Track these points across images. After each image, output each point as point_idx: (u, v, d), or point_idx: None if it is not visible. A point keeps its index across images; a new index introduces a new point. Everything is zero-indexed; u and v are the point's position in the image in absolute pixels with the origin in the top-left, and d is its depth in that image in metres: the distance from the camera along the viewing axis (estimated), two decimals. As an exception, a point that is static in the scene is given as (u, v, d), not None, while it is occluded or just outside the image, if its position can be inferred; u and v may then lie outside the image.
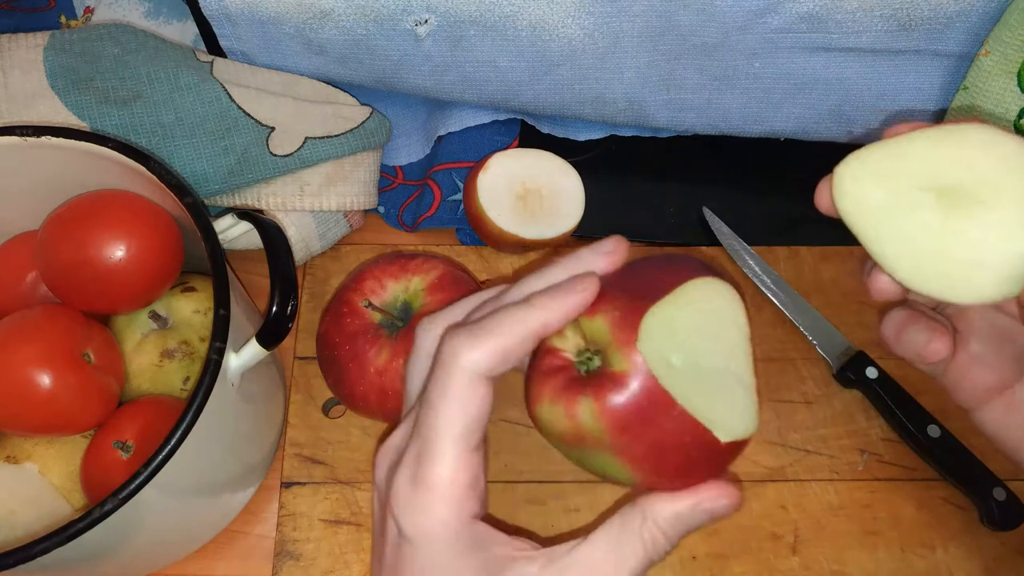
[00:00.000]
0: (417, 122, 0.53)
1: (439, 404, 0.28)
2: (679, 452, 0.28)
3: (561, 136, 0.52)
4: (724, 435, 0.27)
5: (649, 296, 0.28)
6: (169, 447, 0.31)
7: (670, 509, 0.28)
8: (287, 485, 0.43)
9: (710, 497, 0.29)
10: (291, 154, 0.44)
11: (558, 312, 0.29)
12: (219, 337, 0.34)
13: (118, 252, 0.37)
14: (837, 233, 0.50)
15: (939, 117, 0.45)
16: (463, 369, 0.28)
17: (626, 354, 0.27)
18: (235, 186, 0.43)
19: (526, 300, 0.29)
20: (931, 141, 0.28)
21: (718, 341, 0.29)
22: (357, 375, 0.39)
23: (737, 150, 0.51)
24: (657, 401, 0.27)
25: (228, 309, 0.34)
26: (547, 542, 0.41)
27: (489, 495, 0.36)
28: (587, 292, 0.29)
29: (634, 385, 0.27)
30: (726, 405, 0.28)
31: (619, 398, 0.27)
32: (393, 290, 0.40)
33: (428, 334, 0.31)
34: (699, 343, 0.28)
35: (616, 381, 0.27)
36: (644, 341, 0.27)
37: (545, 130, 0.51)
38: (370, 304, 0.39)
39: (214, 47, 0.46)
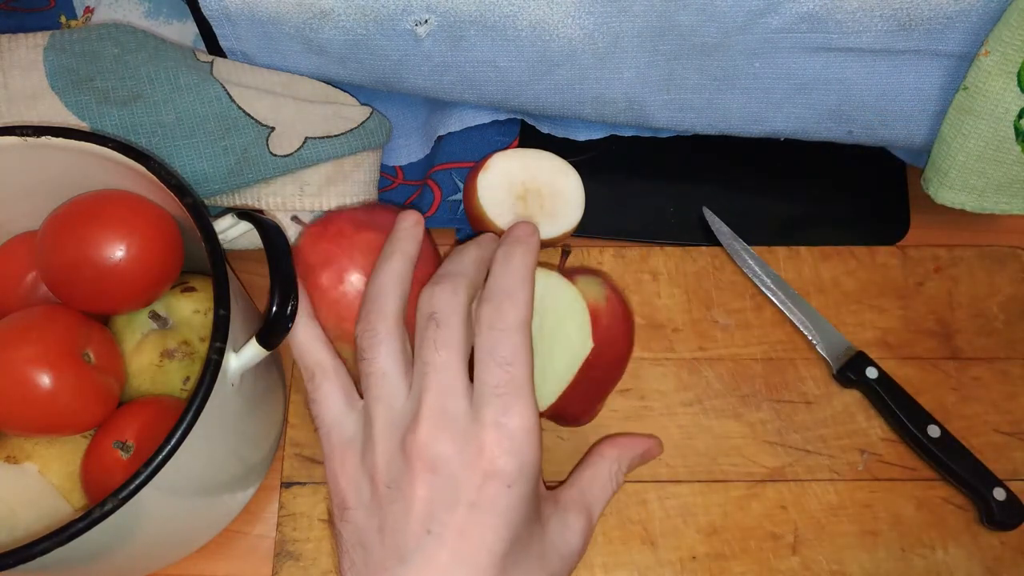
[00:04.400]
0: (417, 122, 0.53)
1: (514, 364, 0.33)
2: None
3: (561, 136, 0.51)
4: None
5: None
6: (169, 447, 0.31)
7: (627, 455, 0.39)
8: (287, 485, 0.43)
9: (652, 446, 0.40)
10: (291, 154, 0.44)
11: (536, 252, 0.38)
12: (219, 337, 0.34)
13: (118, 252, 0.37)
14: (837, 233, 0.51)
15: (939, 117, 0.45)
16: (522, 324, 0.34)
17: None
18: (235, 186, 0.43)
19: (508, 255, 0.36)
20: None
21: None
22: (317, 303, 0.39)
23: (737, 150, 0.51)
24: None
25: (228, 309, 0.34)
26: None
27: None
28: (538, 234, 0.39)
29: None
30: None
31: None
32: None
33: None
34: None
35: None
36: None
37: (545, 130, 0.51)
38: (295, 218, 0.43)
39: (214, 47, 0.46)
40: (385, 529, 0.32)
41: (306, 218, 0.46)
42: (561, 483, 0.38)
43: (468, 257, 0.37)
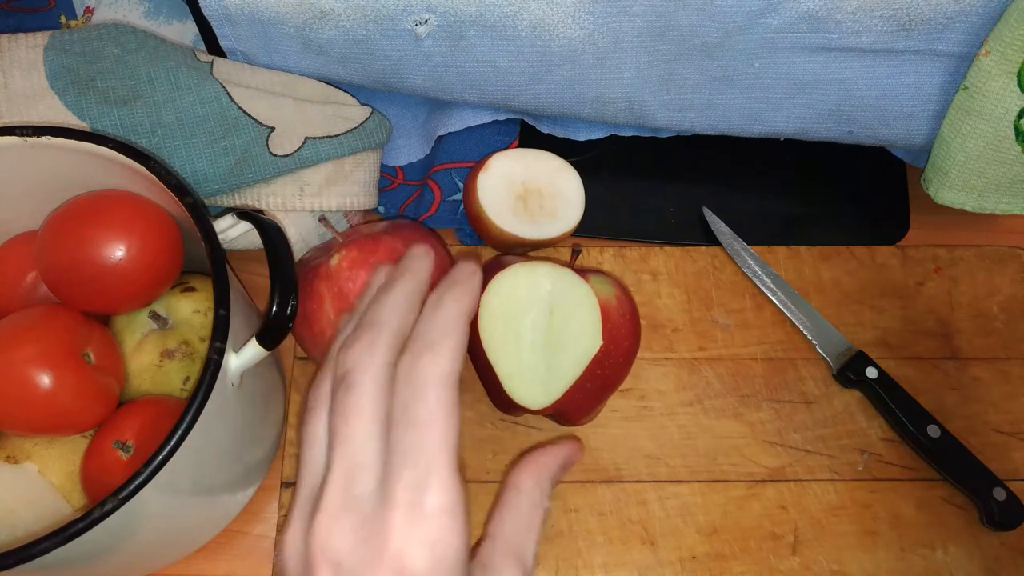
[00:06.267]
0: (417, 122, 0.53)
1: (429, 425, 0.27)
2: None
3: (561, 136, 0.52)
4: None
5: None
6: (169, 447, 0.31)
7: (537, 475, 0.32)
8: (287, 485, 0.43)
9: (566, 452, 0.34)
10: (291, 154, 0.44)
11: (474, 296, 0.31)
12: (219, 337, 0.34)
13: (118, 252, 0.37)
14: (837, 233, 0.51)
15: (939, 117, 0.45)
16: (441, 379, 0.28)
17: None
18: (235, 186, 0.43)
19: (439, 299, 0.30)
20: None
21: (530, 313, 0.39)
22: (314, 309, 0.41)
23: (737, 150, 0.51)
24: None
25: (228, 309, 0.34)
26: (546, 542, 0.41)
27: (490, 495, 0.37)
28: (478, 275, 0.32)
29: None
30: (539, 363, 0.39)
31: None
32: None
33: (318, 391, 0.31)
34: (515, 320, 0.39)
35: None
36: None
37: (545, 130, 0.51)
38: (323, 219, 0.43)
39: (214, 47, 0.46)
40: None
41: (333, 219, 0.46)
42: (481, 537, 0.32)
43: (395, 297, 0.31)
